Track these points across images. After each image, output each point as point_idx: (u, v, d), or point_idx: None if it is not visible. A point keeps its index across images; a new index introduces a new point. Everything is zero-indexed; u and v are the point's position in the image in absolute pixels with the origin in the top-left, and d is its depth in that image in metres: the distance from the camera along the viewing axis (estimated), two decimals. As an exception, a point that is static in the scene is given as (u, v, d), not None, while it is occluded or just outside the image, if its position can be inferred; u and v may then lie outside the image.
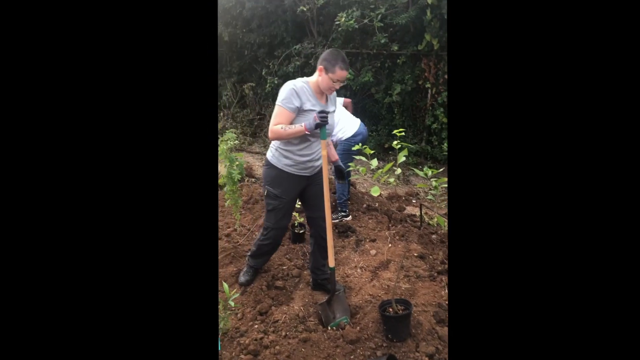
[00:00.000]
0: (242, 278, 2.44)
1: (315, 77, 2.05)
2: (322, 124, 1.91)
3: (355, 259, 2.80)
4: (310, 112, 2.01)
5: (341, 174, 2.48)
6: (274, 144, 2.17)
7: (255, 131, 6.70)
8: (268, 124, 7.57)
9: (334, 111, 2.19)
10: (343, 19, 4.96)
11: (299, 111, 2.00)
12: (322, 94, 2.09)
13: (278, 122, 1.99)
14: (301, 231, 3.00)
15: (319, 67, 2.00)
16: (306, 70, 5.97)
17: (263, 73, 6.37)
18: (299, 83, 2.02)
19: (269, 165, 2.18)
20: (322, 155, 2.01)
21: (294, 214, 3.04)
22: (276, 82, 6.06)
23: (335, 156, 2.45)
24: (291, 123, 2.01)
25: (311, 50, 5.77)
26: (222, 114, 6.76)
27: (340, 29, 5.16)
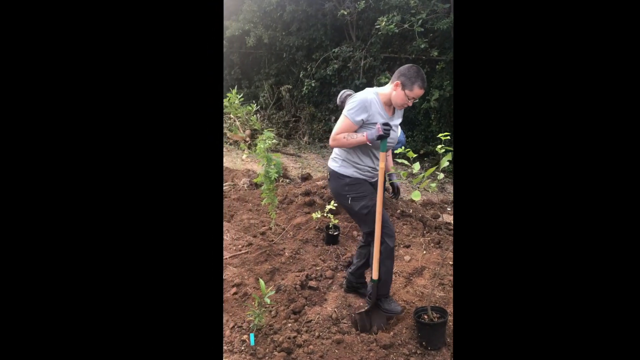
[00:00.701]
0: (395, 307, 2.17)
1: (387, 90, 2.02)
2: (384, 136, 1.90)
3: (389, 264, 2.77)
4: (375, 124, 1.99)
5: (396, 190, 2.49)
6: (338, 156, 2.15)
7: (290, 133, 6.78)
8: (303, 126, 7.50)
9: (399, 124, 2.17)
10: (383, 23, 4.94)
11: (364, 123, 2.00)
12: (389, 105, 2.07)
13: (341, 131, 2.00)
14: (335, 233, 3.00)
15: (396, 81, 1.97)
16: (343, 73, 5.99)
17: (300, 76, 6.45)
18: (370, 95, 2.00)
19: (339, 175, 2.13)
20: (379, 167, 1.97)
21: (330, 215, 3.05)
22: (313, 84, 6.12)
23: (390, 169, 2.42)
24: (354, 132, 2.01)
25: (349, 54, 5.79)
26: (258, 115, 6.88)
27: (380, 33, 5.14)
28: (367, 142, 1.95)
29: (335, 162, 2.17)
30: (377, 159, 2.09)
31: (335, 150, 2.17)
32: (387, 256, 2.08)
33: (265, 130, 2.85)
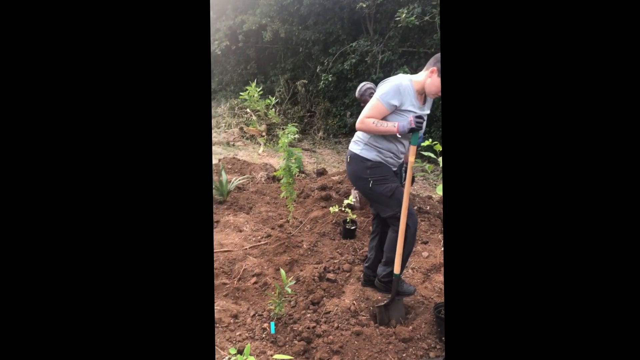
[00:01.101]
0: (408, 288, 2.27)
1: (422, 77, 1.95)
2: (416, 129, 1.86)
3: (406, 259, 2.77)
4: (406, 113, 1.94)
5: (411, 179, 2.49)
6: (361, 139, 2.11)
7: (305, 128, 6.79)
8: (318, 122, 7.51)
9: (428, 113, 2.13)
10: (404, 15, 4.89)
11: (396, 110, 1.94)
12: (421, 94, 2.00)
13: (371, 115, 1.94)
14: (352, 227, 3.01)
15: (432, 68, 1.89)
16: (360, 68, 5.97)
17: (317, 70, 6.44)
18: (405, 81, 1.94)
19: (360, 159, 2.08)
20: (409, 161, 1.92)
21: (347, 210, 3.06)
22: (329, 79, 6.11)
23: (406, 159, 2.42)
24: (384, 119, 1.96)
25: (367, 48, 5.76)
26: (274, 110, 6.92)
27: (399, 25, 5.10)
28: (397, 134, 1.91)
29: (358, 144, 2.11)
30: (403, 145, 2.06)
31: (359, 133, 2.12)
32: (410, 241, 2.08)
33: (289, 125, 2.88)
